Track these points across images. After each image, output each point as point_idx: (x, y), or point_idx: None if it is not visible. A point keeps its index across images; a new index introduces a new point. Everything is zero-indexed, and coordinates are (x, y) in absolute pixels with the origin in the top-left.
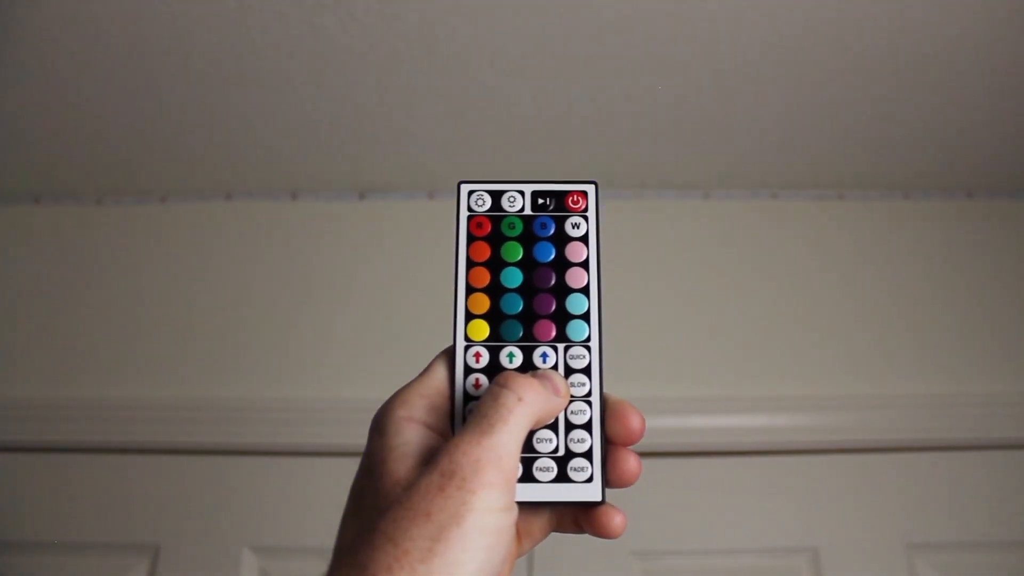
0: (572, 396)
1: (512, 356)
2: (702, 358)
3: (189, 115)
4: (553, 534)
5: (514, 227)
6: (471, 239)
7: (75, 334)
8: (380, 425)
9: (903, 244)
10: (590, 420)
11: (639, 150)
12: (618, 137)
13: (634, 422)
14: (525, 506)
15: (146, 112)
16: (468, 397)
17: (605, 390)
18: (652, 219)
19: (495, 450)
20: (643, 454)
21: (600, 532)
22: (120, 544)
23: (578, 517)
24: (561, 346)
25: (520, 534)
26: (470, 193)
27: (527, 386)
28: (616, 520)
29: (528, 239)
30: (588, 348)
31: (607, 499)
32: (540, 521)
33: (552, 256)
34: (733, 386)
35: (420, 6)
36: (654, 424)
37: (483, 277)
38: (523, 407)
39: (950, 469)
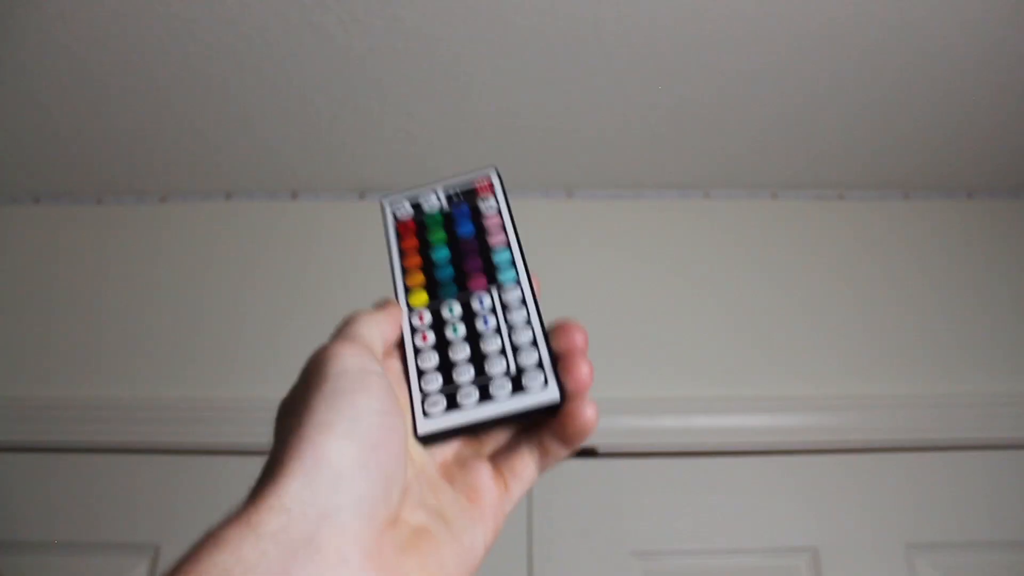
0: (512, 325)
1: (452, 308)
2: (702, 358)
3: (189, 115)
4: (554, 535)
5: (436, 220)
6: (400, 237)
7: (75, 334)
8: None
9: (903, 244)
10: (534, 338)
11: (639, 150)
12: (619, 137)
13: (575, 331)
14: (496, 436)
15: (146, 112)
16: (417, 350)
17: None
18: (652, 219)
19: (337, 334)
20: (644, 454)
21: (575, 429)
22: (120, 544)
23: (555, 432)
24: (494, 289)
25: (504, 475)
26: (391, 204)
27: (338, 340)
28: (587, 412)
29: (449, 223)
30: (519, 285)
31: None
32: (521, 457)
33: (472, 230)
34: (733, 386)
35: (420, 7)
36: (654, 424)
37: (415, 259)
38: (348, 322)
39: (950, 469)
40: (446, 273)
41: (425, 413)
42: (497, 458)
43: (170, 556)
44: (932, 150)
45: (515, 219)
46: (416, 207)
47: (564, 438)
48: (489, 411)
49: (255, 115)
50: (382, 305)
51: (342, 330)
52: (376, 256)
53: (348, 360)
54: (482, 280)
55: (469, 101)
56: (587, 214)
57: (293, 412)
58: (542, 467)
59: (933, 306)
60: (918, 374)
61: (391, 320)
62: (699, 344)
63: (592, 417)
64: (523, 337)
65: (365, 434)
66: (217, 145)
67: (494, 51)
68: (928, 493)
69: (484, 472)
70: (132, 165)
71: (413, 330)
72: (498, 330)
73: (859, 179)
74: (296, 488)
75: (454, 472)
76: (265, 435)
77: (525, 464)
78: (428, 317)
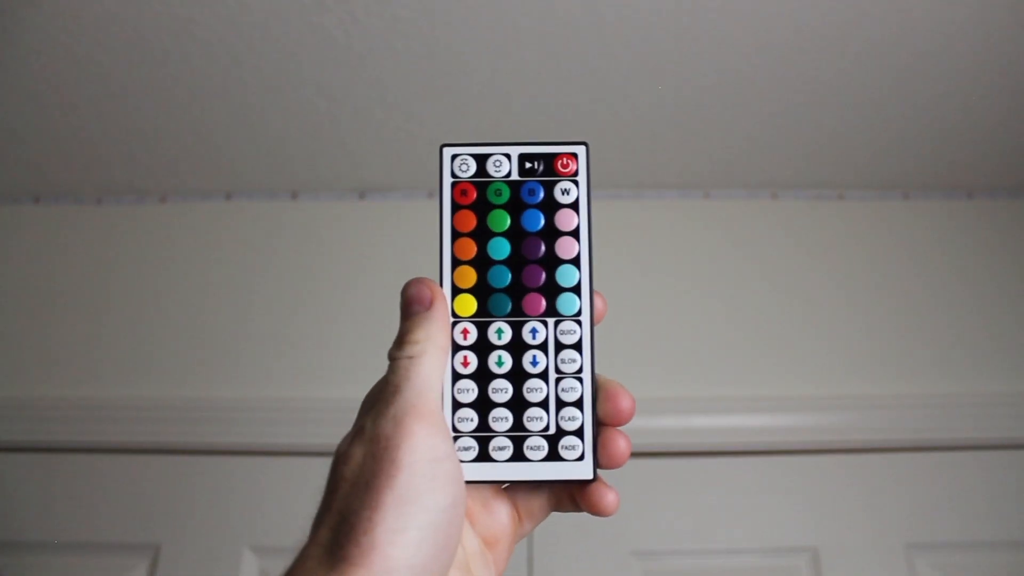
0: (562, 372)
1: (501, 332)
2: (702, 358)
3: (189, 115)
4: (554, 535)
5: (500, 193)
6: (455, 208)
7: (77, 334)
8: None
9: (903, 244)
10: (581, 397)
11: (639, 150)
12: (618, 137)
13: (624, 402)
14: (519, 486)
15: (146, 112)
16: (457, 375)
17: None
18: (652, 219)
19: (407, 402)
20: (644, 454)
21: (593, 510)
22: (120, 544)
23: (574, 495)
24: (551, 320)
25: (520, 514)
26: (453, 157)
27: (413, 344)
28: (609, 497)
29: (516, 206)
30: (579, 323)
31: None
32: (539, 500)
33: (541, 225)
34: (733, 386)
35: (420, 7)
36: (654, 424)
37: (469, 248)
38: (416, 362)
39: (950, 469)
40: (502, 279)
41: None
42: (516, 493)
43: (171, 556)
44: (932, 150)
45: (592, 221)
46: (481, 167)
47: (580, 503)
48: (519, 472)
49: (255, 115)
50: (430, 304)
51: (407, 371)
52: (376, 255)
53: (420, 449)
54: (540, 302)
55: (469, 101)
56: (597, 214)
57: (363, 491)
58: (555, 509)
59: (933, 306)
60: (918, 374)
61: (447, 337)
62: (698, 344)
63: (612, 504)
64: (571, 395)
65: (433, 539)
66: (217, 145)
67: (494, 51)
68: (928, 493)
69: (504, 515)
70: (133, 165)
71: (455, 346)
72: (545, 375)
73: (859, 179)
74: None
75: (476, 513)
76: (266, 435)
77: (542, 507)
78: (473, 334)
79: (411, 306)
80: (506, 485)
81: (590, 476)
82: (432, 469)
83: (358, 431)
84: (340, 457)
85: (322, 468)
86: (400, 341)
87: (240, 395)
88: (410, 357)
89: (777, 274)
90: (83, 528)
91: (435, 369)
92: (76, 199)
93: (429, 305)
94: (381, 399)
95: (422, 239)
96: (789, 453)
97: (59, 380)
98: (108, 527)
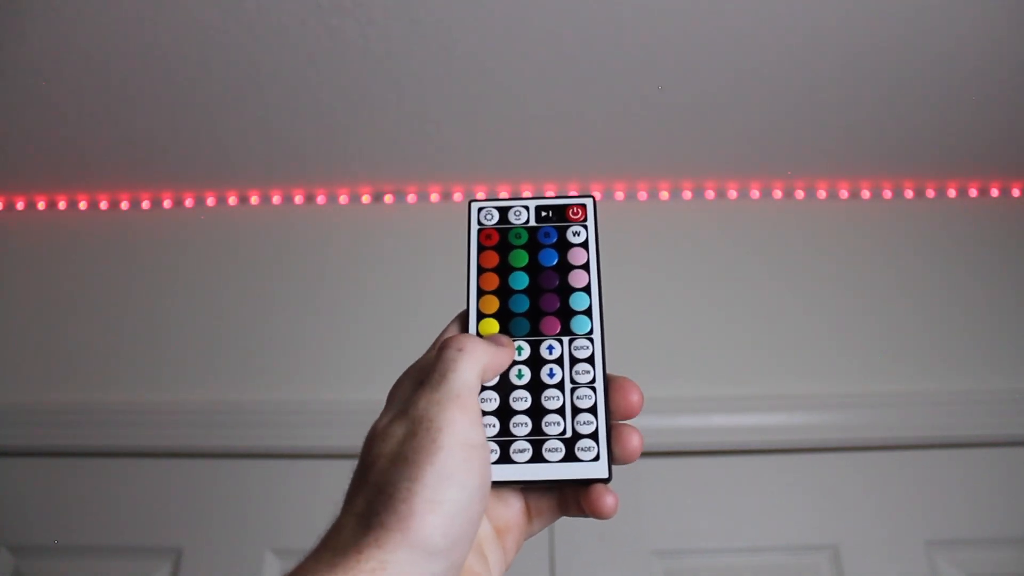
0: (576, 383)
1: (521, 349)
2: (721, 358)
3: (205, 118)
4: (576, 535)
5: (520, 237)
6: (481, 249)
7: (95, 339)
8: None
9: (917, 241)
10: (595, 404)
11: (655, 149)
12: (633, 136)
13: (634, 396)
14: (537, 486)
15: (162, 115)
16: (481, 388)
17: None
18: (668, 218)
19: (452, 391)
20: (663, 454)
21: (593, 511)
22: (143, 547)
23: (579, 498)
24: (566, 339)
25: (531, 513)
26: (480, 209)
27: (465, 339)
28: (608, 500)
29: (533, 247)
30: (591, 340)
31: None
32: (549, 501)
33: (555, 260)
34: (752, 385)
35: (437, 9)
36: (674, 424)
37: (492, 281)
38: (465, 355)
39: (969, 466)
40: (521, 305)
41: None
42: (529, 491)
43: (193, 560)
44: (942, 148)
45: (600, 258)
46: (503, 216)
47: (584, 506)
48: (539, 473)
49: (272, 117)
50: (498, 340)
51: (455, 363)
52: (394, 257)
53: (460, 434)
54: (555, 324)
55: (485, 103)
56: (607, 213)
57: (402, 464)
58: (563, 514)
59: (950, 303)
60: (936, 371)
61: (500, 361)
62: (717, 344)
63: (611, 507)
64: (585, 402)
65: (465, 515)
66: (233, 148)
67: (511, 53)
68: (947, 490)
69: (516, 507)
70: (150, 168)
71: None
72: (561, 386)
73: (870, 177)
74: (399, 558)
75: (491, 501)
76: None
77: (551, 508)
78: None
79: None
80: (523, 485)
81: (605, 475)
82: (468, 453)
83: (399, 412)
84: (379, 435)
85: (343, 470)
86: (454, 336)
87: (261, 398)
88: (460, 350)
89: (794, 273)
90: (105, 532)
91: (477, 365)
92: (93, 203)
93: (497, 343)
94: (428, 384)
95: (439, 241)
96: (808, 451)
97: (79, 385)
98: (130, 531)
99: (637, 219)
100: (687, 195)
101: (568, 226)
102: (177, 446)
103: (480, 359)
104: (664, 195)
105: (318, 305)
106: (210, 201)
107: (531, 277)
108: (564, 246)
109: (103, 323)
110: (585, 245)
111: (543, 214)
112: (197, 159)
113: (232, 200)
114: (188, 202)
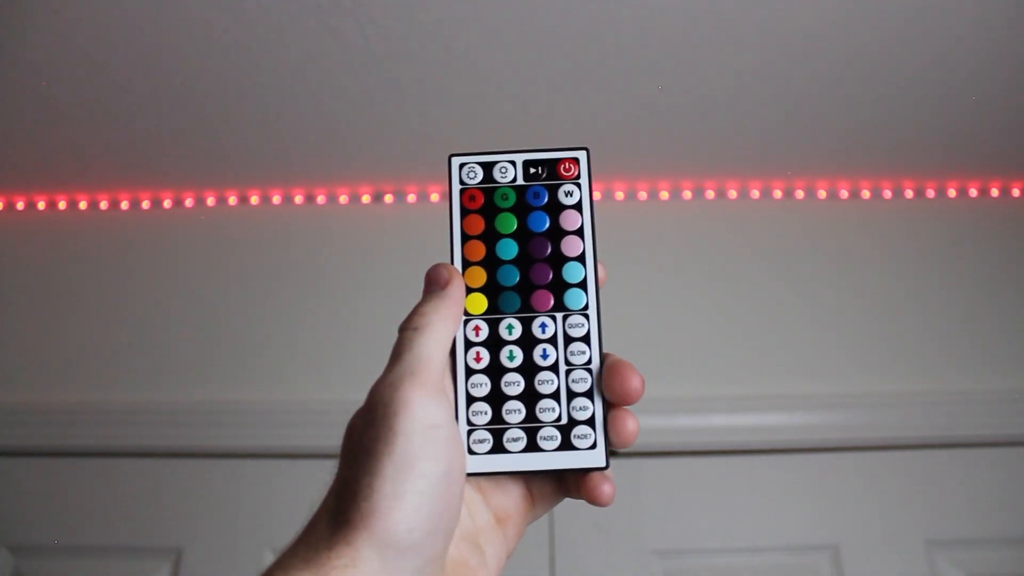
0: (572, 364)
1: (511, 328)
2: (721, 358)
3: (204, 117)
4: (576, 534)
5: (507, 198)
6: (464, 212)
7: (92, 339)
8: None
9: (917, 241)
10: (591, 388)
11: (654, 149)
12: (632, 137)
13: (634, 382)
14: (533, 475)
15: (160, 114)
16: (470, 371)
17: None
18: (668, 218)
19: (407, 367)
20: (663, 453)
21: (590, 498)
22: (143, 547)
23: (576, 481)
24: (559, 315)
25: (533, 498)
26: (461, 166)
27: (417, 314)
28: (605, 488)
29: (522, 209)
30: (586, 316)
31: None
32: (551, 486)
33: (547, 225)
34: (752, 385)
35: (437, 9)
36: (674, 423)
37: (479, 250)
38: (419, 333)
39: (969, 466)
40: (510, 278)
41: (471, 450)
42: (531, 476)
43: (193, 559)
44: (942, 148)
45: (595, 219)
46: (488, 174)
47: (580, 492)
48: (534, 462)
49: (272, 117)
50: (445, 284)
51: (410, 342)
52: (391, 258)
53: (417, 415)
54: (548, 299)
55: (485, 103)
56: (608, 213)
57: (363, 457)
58: (566, 496)
59: (950, 303)
60: (936, 371)
61: (457, 315)
62: (717, 343)
63: (607, 494)
64: (581, 385)
65: (430, 506)
66: (234, 147)
67: (511, 52)
68: (947, 490)
69: (516, 494)
70: (150, 168)
71: (467, 343)
72: (555, 368)
73: (870, 177)
74: (366, 556)
75: (488, 489)
76: (286, 438)
77: (554, 492)
78: (485, 331)
79: (428, 287)
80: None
81: (603, 464)
82: (428, 435)
83: (365, 403)
84: (348, 428)
85: None
86: (409, 315)
87: (261, 398)
88: (415, 328)
89: (795, 273)
90: (105, 532)
91: (438, 341)
92: (93, 203)
93: (445, 286)
94: (386, 367)
95: (438, 241)
96: (809, 451)
97: (79, 385)
98: (130, 531)
99: (637, 219)
100: (687, 195)
101: (560, 184)
102: (177, 446)
103: (441, 327)
104: (664, 195)
105: (318, 305)
106: (210, 201)
107: (520, 245)
108: (556, 208)
109: (103, 323)
110: (579, 207)
111: (532, 171)
112: (197, 159)
113: (232, 200)
114: (188, 202)
